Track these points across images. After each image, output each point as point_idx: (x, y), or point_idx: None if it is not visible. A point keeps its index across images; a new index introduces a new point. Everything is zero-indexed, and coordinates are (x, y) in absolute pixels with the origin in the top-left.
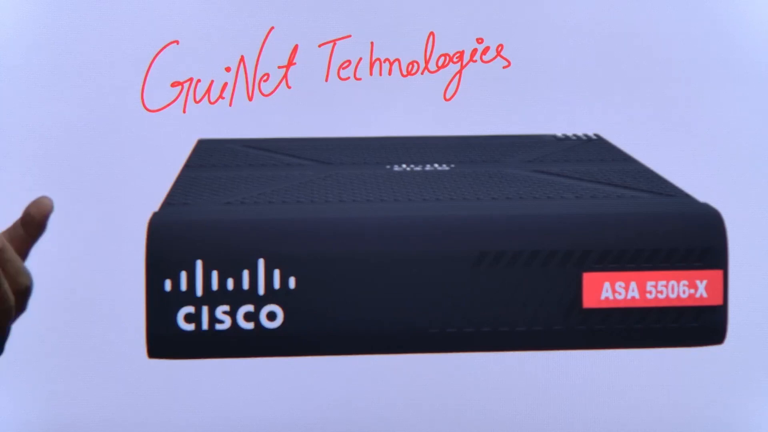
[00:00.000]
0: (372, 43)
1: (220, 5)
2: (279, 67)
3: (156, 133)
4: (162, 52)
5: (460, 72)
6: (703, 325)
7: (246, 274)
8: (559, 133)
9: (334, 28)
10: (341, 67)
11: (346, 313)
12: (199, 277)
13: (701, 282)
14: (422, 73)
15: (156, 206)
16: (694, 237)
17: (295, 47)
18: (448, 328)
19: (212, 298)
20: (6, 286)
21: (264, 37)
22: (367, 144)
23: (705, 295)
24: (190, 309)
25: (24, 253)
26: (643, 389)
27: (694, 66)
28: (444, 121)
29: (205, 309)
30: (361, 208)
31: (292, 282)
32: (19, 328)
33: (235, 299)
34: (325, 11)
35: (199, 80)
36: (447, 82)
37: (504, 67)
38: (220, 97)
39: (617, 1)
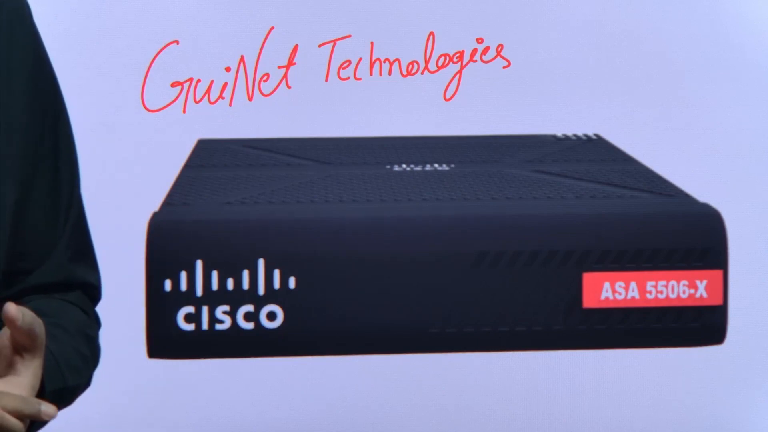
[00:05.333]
0: (372, 43)
1: (220, 5)
2: (279, 67)
3: (156, 133)
4: (162, 52)
5: (460, 72)
6: (703, 325)
7: (246, 274)
8: (559, 133)
9: (334, 28)
10: (341, 67)
11: (346, 313)
12: (199, 277)
13: (701, 282)
14: (422, 73)
15: (156, 206)
16: (694, 237)
17: (295, 47)
18: (448, 328)
19: (212, 298)
20: None
21: (264, 37)
22: (367, 144)
23: (705, 295)
24: (190, 309)
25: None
26: (643, 389)
27: (694, 66)
28: (444, 121)
29: (205, 309)
30: (361, 208)
31: (292, 282)
32: None
33: (235, 299)
34: (325, 11)
35: (199, 80)
36: (447, 82)
37: (504, 67)
38: (220, 97)
39: (617, 1)
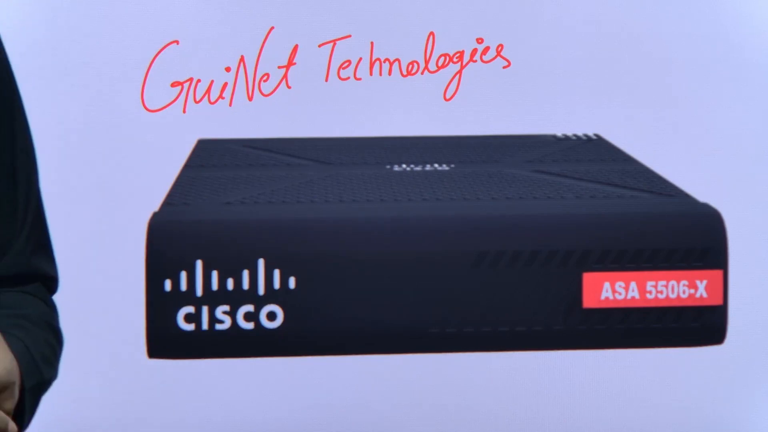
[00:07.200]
0: (372, 43)
1: (220, 5)
2: (279, 67)
3: (156, 133)
4: (162, 52)
5: (460, 72)
6: (703, 325)
7: (246, 274)
8: (559, 133)
9: (334, 28)
10: (341, 67)
11: (346, 313)
12: (199, 277)
13: (701, 282)
14: (422, 73)
15: (156, 206)
16: (694, 237)
17: (295, 47)
18: (448, 328)
19: (212, 298)
20: None
21: (264, 37)
22: (367, 144)
23: (705, 295)
24: (190, 309)
25: None
26: (643, 389)
27: (694, 66)
28: (444, 121)
29: (205, 309)
30: (361, 208)
31: (292, 282)
32: None
33: (235, 299)
34: (325, 11)
35: (199, 80)
36: (447, 82)
37: (504, 67)
38: (220, 97)
39: (617, 1)
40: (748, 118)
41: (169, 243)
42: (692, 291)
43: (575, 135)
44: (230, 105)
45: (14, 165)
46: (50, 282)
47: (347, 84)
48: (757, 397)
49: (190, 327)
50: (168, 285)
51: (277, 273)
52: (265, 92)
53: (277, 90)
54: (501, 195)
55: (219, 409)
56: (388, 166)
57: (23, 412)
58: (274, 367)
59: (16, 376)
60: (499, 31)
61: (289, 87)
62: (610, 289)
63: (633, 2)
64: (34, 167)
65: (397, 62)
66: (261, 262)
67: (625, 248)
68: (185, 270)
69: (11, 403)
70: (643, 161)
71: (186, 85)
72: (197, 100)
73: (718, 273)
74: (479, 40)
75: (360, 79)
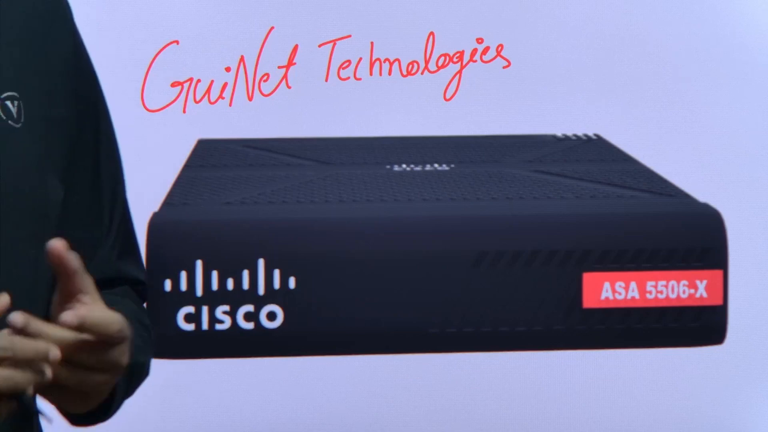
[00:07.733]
0: (372, 43)
1: (220, 5)
2: (279, 67)
3: (156, 133)
4: (162, 52)
5: (460, 72)
6: (703, 325)
7: (246, 274)
8: (559, 133)
9: (334, 28)
10: (341, 67)
11: (346, 313)
12: (199, 277)
13: (701, 282)
14: (422, 73)
15: (156, 206)
16: (694, 237)
17: (295, 47)
18: (448, 328)
19: (212, 298)
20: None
21: (264, 37)
22: (367, 144)
23: (705, 295)
24: (190, 309)
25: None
26: (643, 389)
27: (694, 66)
28: (444, 121)
29: (205, 309)
30: (361, 208)
31: (292, 282)
32: None
33: (235, 299)
34: (325, 11)
35: (199, 80)
36: (447, 82)
37: (504, 67)
38: (220, 97)
39: (617, 1)
40: (748, 118)
41: (169, 243)
42: (692, 291)
43: (575, 135)
44: (230, 105)
45: (99, 170)
46: (139, 286)
47: (347, 84)
48: (757, 397)
49: (190, 327)
50: (168, 285)
51: (277, 273)
52: (265, 92)
53: (277, 90)
54: (501, 195)
55: (219, 409)
56: (388, 166)
57: (115, 391)
58: (274, 367)
59: (128, 333)
60: (499, 31)
61: (289, 87)
62: (610, 289)
63: (633, 2)
64: (119, 173)
65: (397, 62)
66: (261, 262)
67: (625, 248)
68: (185, 270)
69: (126, 359)
70: (643, 161)
71: (186, 85)
72: (197, 100)
73: (718, 273)
74: (479, 40)
75: (360, 79)
